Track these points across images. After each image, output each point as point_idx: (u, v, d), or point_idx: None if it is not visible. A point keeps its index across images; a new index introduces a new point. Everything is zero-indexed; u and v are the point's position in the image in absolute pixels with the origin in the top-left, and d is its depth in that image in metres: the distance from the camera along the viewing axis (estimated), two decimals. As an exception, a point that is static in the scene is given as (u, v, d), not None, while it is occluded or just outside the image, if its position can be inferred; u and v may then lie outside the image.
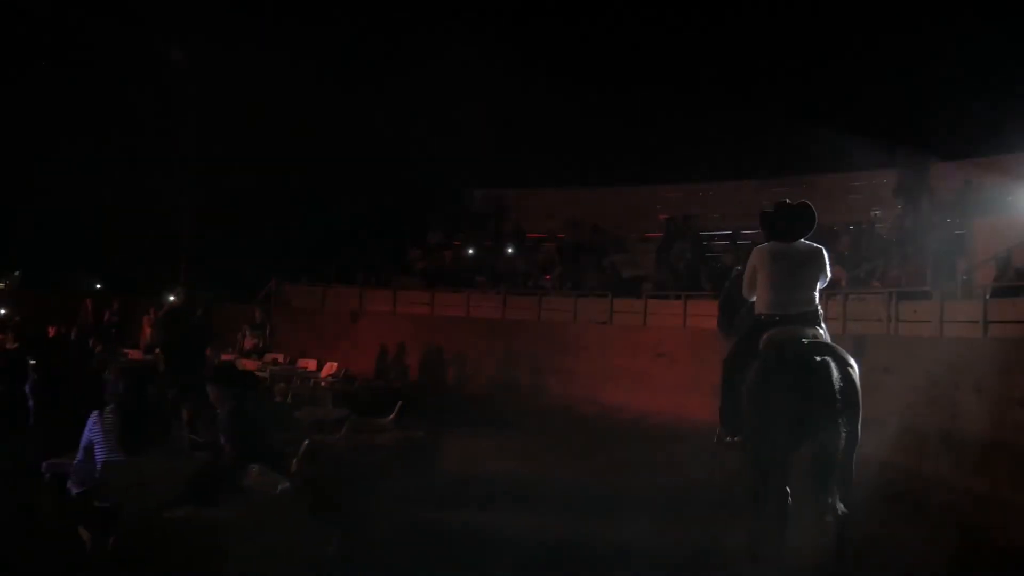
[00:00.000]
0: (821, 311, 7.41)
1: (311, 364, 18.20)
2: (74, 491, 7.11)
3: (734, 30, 27.66)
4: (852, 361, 6.95)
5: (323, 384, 16.18)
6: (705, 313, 19.26)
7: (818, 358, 6.68)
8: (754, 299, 7.52)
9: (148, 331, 20.87)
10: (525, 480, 11.73)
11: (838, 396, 6.59)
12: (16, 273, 28.87)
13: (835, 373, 6.65)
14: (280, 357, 19.45)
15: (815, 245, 7.38)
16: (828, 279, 7.44)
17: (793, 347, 6.86)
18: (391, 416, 10.59)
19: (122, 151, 28.88)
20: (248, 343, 20.18)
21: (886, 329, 15.70)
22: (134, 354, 18.66)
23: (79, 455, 7.09)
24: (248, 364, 16.96)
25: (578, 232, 27.63)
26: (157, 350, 16.70)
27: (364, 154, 30.48)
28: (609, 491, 11.44)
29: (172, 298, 20.56)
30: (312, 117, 30.28)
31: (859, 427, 6.88)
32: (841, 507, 6.73)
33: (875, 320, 16.03)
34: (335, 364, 17.83)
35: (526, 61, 29.86)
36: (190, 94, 28.84)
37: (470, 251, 28.26)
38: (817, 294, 7.37)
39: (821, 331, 7.21)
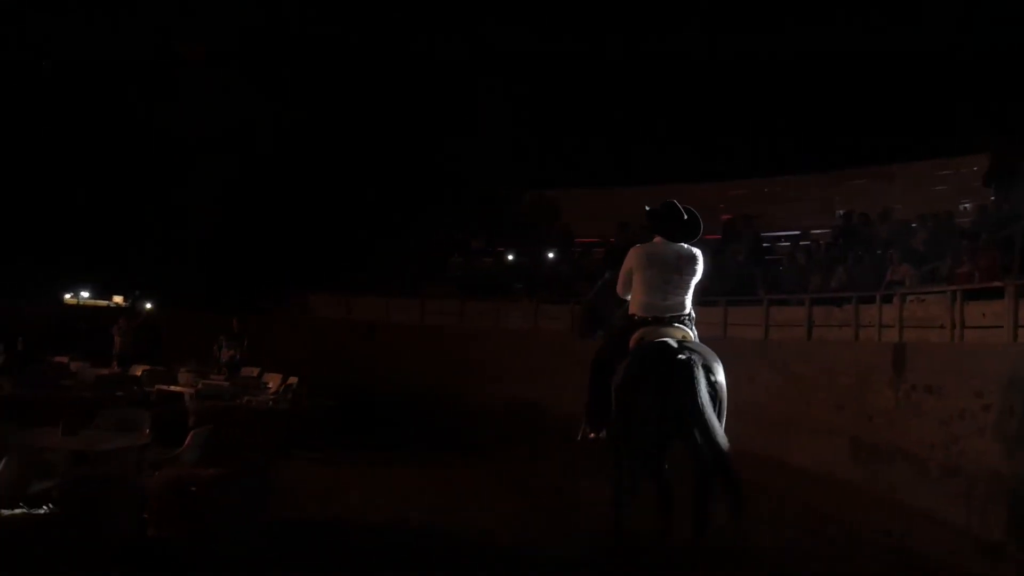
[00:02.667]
0: (693, 315, 7.33)
1: (275, 379, 15.77)
2: None
3: (804, 9, 24.57)
4: (717, 364, 6.91)
5: (269, 401, 13.71)
6: (749, 322, 16.29)
7: (682, 357, 6.59)
8: (628, 298, 7.38)
9: (118, 340, 18.89)
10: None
11: (700, 397, 6.42)
12: (136, 293, 27.42)
13: (699, 374, 6.51)
14: (256, 371, 17.09)
15: (694, 249, 7.29)
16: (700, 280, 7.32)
17: (660, 347, 6.79)
18: (183, 447, 7.84)
19: (144, 159, 27.31)
20: (225, 354, 17.88)
21: (949, 336, 12.23)
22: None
23: None
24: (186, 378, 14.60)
25: (630, 235, 24.67)
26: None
27: (403, 157, 28.52)
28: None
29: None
30: (345, 120, 28.58)
31: (722, 426, 6.62)
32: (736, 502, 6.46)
33: (937, 326, 12.56)
34: (294, 379, 15.43)
35: (576, 55, 27.68)
36: (214, 100, 27.47)
37: (509, 257, 25.63)
38: (690, 297, 7.30)
39: (691, 333, 7.20)
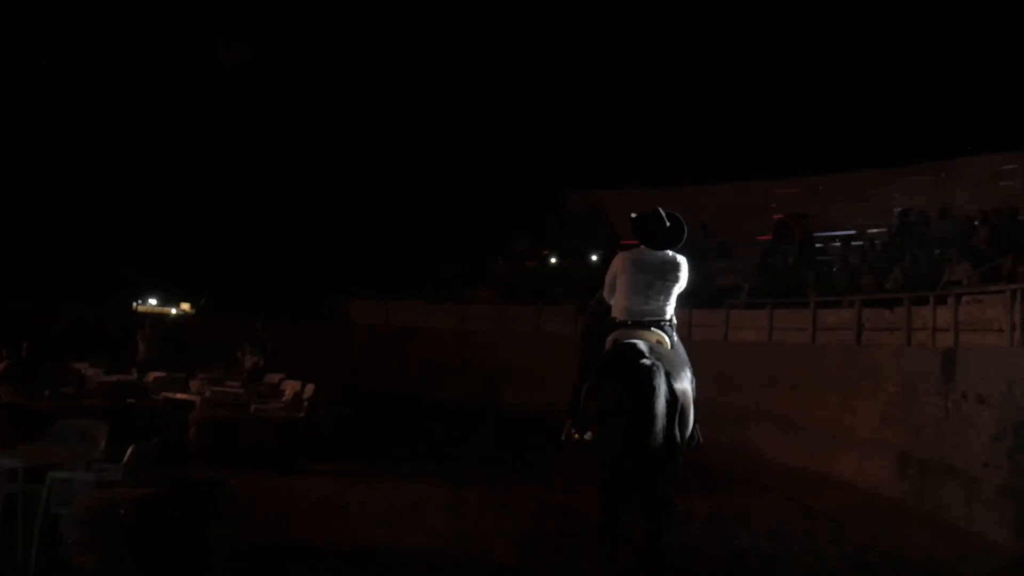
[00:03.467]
0: (675, 320, 7.31)
1: (294, 386, 15.10)
2: None
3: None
4: (684, 371, 6.88)
5: (279, 409, 13.08)
6: (796, 325, 15.35)
7: (644, 362, 6.52)
8: (612, 302, 7.39)
9: (142, 346, 18.44)
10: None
11: (660, 401, 6.42)
12: (203, 300, 27.29)
13: (661, 379, 6.47)
14: (277, 378, 16.44)
15: (678, 257, 7.25)
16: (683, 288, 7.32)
17: (625, 349, 6.78)
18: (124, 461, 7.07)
19: (180, 164, 27.03)
20: (248, 361, 17.29)
21: (1008, 340, 11.17)
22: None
23: None
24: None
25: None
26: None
27: (445, 159, 27.91)
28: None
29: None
30: (387, 123, 28.08)
31: (688, 433, 6.96)
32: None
33: (995, 329, 11.49)
34: (311, 387, 14.75)
35: (622, 53, 26.91)
36: (250, 99, 27.13)
37: (552, 260, 24.86)
38: (672, 303, 7.26)
39: (666, 337, 7.15)
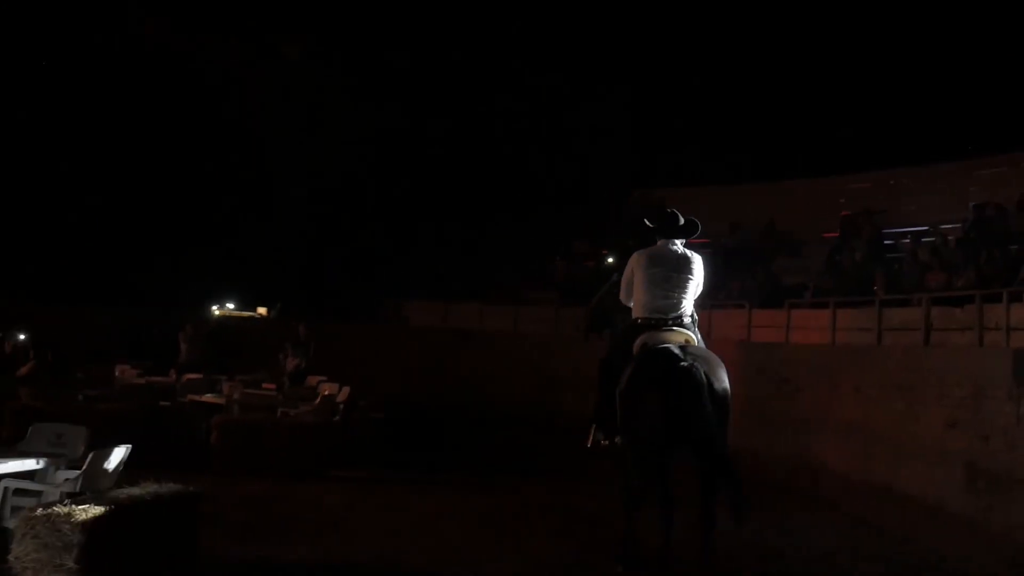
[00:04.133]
0: (695, 316, 7.35)
1: (332, 389, 14.62)
2: None
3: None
4: (721, 370, 6.85)
5: (308, 414, 12.57)
6: (859, 325, 14.38)
7: (684, 365, 6.52)
8: (631, 304, 7.41)
9: (184, 348, 18.14)
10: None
11: (705, 401, 6.41)
12: (279, 304, 27.54)
13: (702, 378, 6.49)
14: (315, 381, 15.98)
15: (693, 252, 7.39)
16: (701, 288, 7.45)
17: (662, 354, 6.71)
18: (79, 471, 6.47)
19: (233, 166, 26.82)
20: (290, 363, 16.87)
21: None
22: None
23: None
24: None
25: (742, 235, 22.93)
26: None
27: (502, 158, 27.30)
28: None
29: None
30: (444, 123, 27.57)
31: (725, 432, 6.78)
32: (739, 504, 6.54)
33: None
34: (347, 389, 14.31)
35: (682, 49, 26.02)
36: (305, 100, 26.83)
37: (610, 260, 24.05)
38: (690, 299, 7.30)
39: (694, 336, 7.19)
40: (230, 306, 27.96)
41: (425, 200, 27.24)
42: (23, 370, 13.23)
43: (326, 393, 14.34)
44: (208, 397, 12.86)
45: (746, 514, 6.54)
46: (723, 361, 7.11)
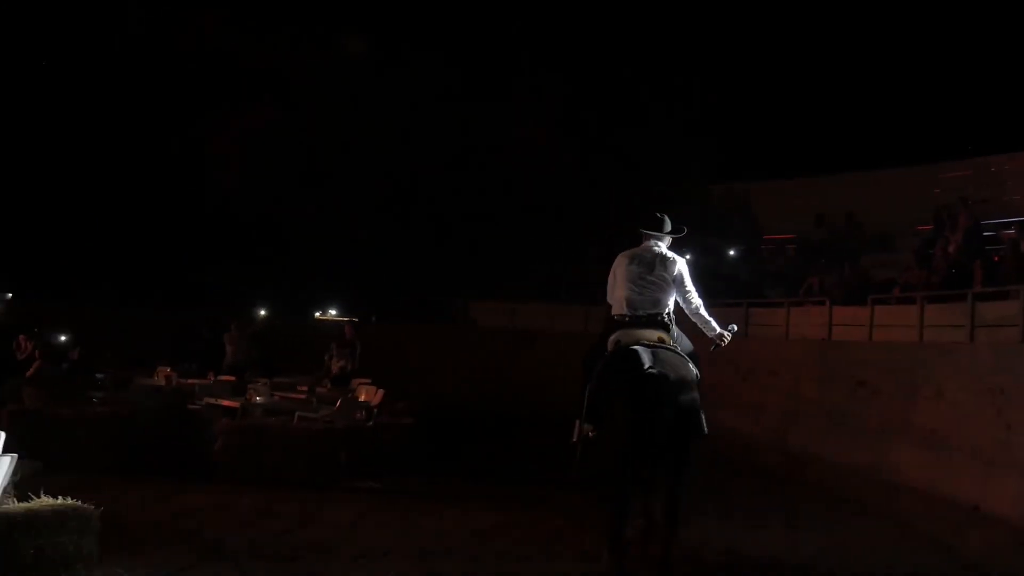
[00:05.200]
0: (672, 316, 7.47)
1: (371, 392, 13.69)
2: None
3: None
4: (691, 368, 7.08)
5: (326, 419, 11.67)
6: (950, 322, 12.91)
7: (652, 371, 6.71)
8: (612, 302, 7.63)
9: (229, 349, 17.46)
10: None
11: (666, 410, 6.69)
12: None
13: (667, 388, 6.72)
14: (357, 383, 15.04)
15: (673, 254, 7.66)
16: (687, 285, 7.64)
17: (632, 355, 6.88)
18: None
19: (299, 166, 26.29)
20: (335, 365, 16.03)
21: None
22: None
23: None
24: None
25: (827, 230, 21.47)
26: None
27: (572, 151, 26.15)
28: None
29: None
30: (513, 117, 26.55)
31: (702, 425, 7.04)
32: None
33: None
34: (381, 392, 13.41)
35: (765, 31, 24.57)
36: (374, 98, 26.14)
37: (687, 257, 22.66)
38: (670, 298, 7.48)
39: (667, 335, 7.29)
40: (332, 312, 27.51)
41: (495, 197, 26.23)
42: (30, 371, 12.59)
43: (359, 397, 13.44)
44: (225, 401, 12.00)
45: (675, 527, 6.87)
46: (699, 357, 7.40)
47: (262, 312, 18.26)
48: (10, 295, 23.93)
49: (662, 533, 6.98)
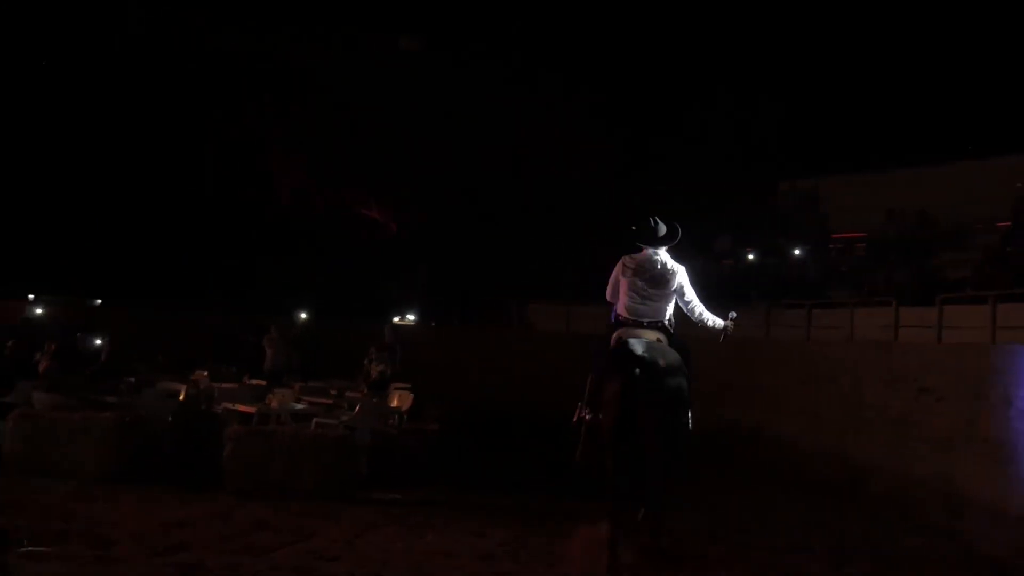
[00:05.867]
0: (672, 320, 7.82)
1: (404, 398, 13.13)
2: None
3: None
4: (681, 366, 7.42)
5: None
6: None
7: (646, 357, 7.21)
8: (615, 301, 7.97)
9: (269, 353, 17.02)
10: None
11: (658, 389, 7.13)
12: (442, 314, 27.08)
13: (659, 371, 7.19)
14: (396, 387, 14.42)
15: (673, 263, 7.84)
16: (687, 295, 7.88)
17: (633, 345, 7.33)
18: None
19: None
20: (374, 370, 15.43)
21: None
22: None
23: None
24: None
25: (898, 227, 20.47)
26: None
27: (645, 151, 25.40)
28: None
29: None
30: (572, 115, 25.89)
31: (688, 420, 7.43)
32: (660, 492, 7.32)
33: None
34: (410, 397, 13.10)
35: (832, 26, 23.65)
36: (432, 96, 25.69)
37: (750, 257, 21.85)
38: (670, 306, 7.83)
39: (663, 335, 7.67)
40: (411, 317, 27.21)
41: (550, 195, 25.57)
42: (39, 370, 12.25)
43: (392, 402, 12.85)
44: (241, 406, 11.47)
45: (658, 506, 7.24)
46: (691, 355, 7.64)
47: (303, 315, 17.72)
48: (99, 301, 24.07)
49: (647, 519, 7.25)
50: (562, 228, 25.04)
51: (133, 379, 13.22)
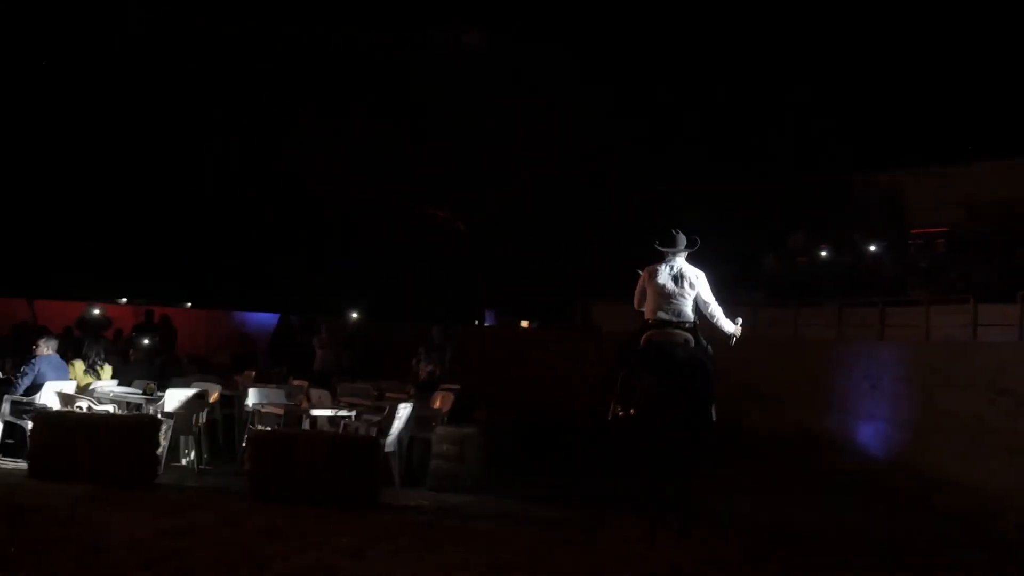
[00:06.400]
0: (696, 321, 8.57)
1: (444, 398, 12.59)
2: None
3: None
4: (709, 360, 8.30)
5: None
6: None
7: (680, 353, 8.09)
8: (643, 309, 8.80)
9: (319, 354, 16.77)
10: None
11: (689, 381, 7.90)
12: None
13: (692, 365, 8.04)
14: (444, 388, 13.90)
15: (692, 270, 8.66)
16: (708, 302, 8.66)
17: (663, 345, 8.21)
18: None
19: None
20: (423, 370, 15.04)
21: None
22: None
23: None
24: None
25: (980, 222, 19.44)
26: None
27: (716, 142, 24.54)
28: None
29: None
30: (638, 107, 25.20)
31: (713, 413, 8.19)
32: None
33: None
34: (451, 397, 12.46)
35: (911, 12, 22.50)
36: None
37: (823, 254, 20.88)
38: (691, 307, 8.56)
39: (690, 336, 8.41)
40: (525, 324, 26.86)
41: (616, 189, 24.90)
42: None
43: (434, 404, 12.37)
44: (270, 407, 11.06)
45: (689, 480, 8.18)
46: (714, 359, 8.38)
47: (355, 315, 17.41)
48: (190, 304, 24.22)
49: (677, 505, 8.06)
50: (631, 227, 24.30)
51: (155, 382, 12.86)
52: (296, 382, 13.67)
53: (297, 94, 24.39)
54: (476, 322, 26.43)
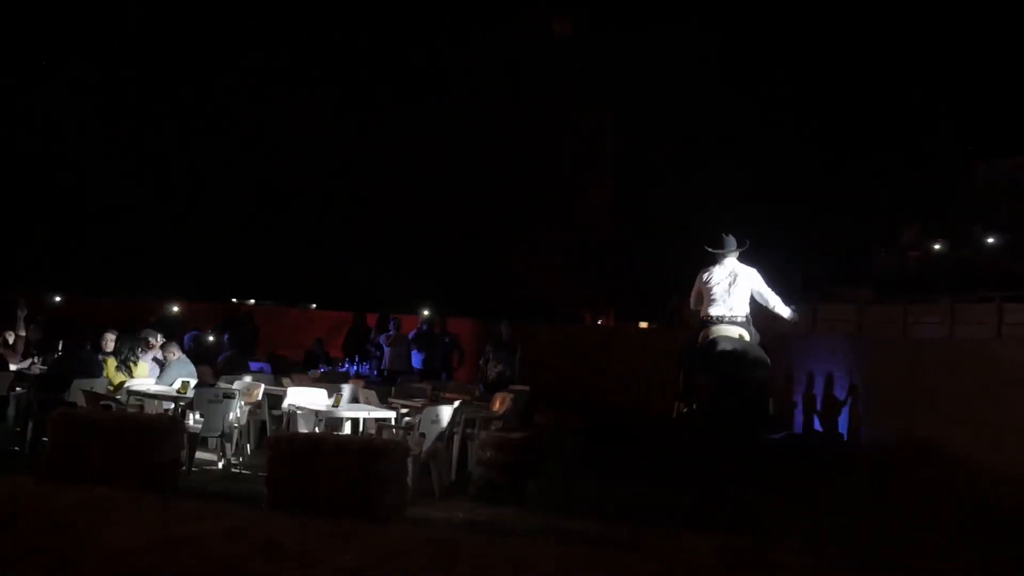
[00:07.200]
0: (749, 318, 9.13)
1: (503, 400, 11.82)
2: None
3: None
4: (763, 358, 8.83)
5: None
6: None
7: (737, 349, 8.67)
8: (699, 308, 9.37)
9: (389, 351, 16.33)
10: None
11: (743, 377, 8.47)
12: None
13: (748, 360, 8.63)
14: (512, 390, 13.10)
15: (744, 268, 9.25)
16: (765, 295, 9.33)
17: (720, 342, 8.75)
18: None
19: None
20: (491, 370, 14.35)
21: None
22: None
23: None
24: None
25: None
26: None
27: (809, 124, 23.25)
28: None
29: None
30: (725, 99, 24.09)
31: (770, 407, 9.02)
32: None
33: None
34: (507, 398, 11.73)
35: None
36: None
37: (936, 247, 19.41)
38: (746, 303, 9.15)
39: (746, 332, 8.97)
40: (643, 325, 26.22)
41: (717, 177, 23.81)
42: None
43: (493, 406, 11.57)
44: (305, 406, 10.37)
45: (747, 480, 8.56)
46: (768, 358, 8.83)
47: (426, 312, 16.82)
48: (253, 300, 24.22)
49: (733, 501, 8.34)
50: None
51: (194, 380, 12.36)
52: (352, 380, 13.05)
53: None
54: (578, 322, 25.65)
